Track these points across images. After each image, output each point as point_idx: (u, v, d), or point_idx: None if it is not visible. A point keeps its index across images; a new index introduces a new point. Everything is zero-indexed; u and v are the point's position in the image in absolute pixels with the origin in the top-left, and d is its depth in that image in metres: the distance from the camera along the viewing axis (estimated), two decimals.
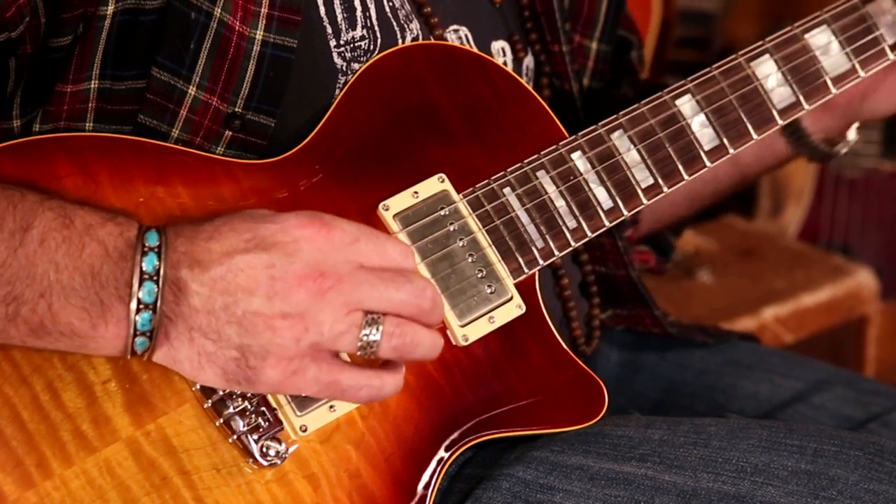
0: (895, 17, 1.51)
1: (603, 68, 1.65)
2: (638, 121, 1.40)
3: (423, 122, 1.34)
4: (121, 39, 1.26)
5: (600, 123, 1.39)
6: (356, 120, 1.32)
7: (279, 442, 1.21)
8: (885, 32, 1.50)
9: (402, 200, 1.31)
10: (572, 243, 1.36)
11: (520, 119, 1.37)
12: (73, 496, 1.16)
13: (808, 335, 2.63)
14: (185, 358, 1.15)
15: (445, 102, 1.35)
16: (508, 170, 1.35)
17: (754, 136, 1.44)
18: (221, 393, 1.20)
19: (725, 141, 1.43)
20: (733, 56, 1.45)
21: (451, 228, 1.31)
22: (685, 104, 1.42)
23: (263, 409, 1.22)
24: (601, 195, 1.38)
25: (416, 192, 1.31)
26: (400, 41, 1.39)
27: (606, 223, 1.38)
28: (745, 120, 1.44)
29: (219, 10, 1.27)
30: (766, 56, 1.46)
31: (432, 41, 1.41)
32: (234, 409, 1.21)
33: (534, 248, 1.34)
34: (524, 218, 1.34)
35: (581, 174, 1.37)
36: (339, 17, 1.36)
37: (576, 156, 1.38)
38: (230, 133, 1.30)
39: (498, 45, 1.50)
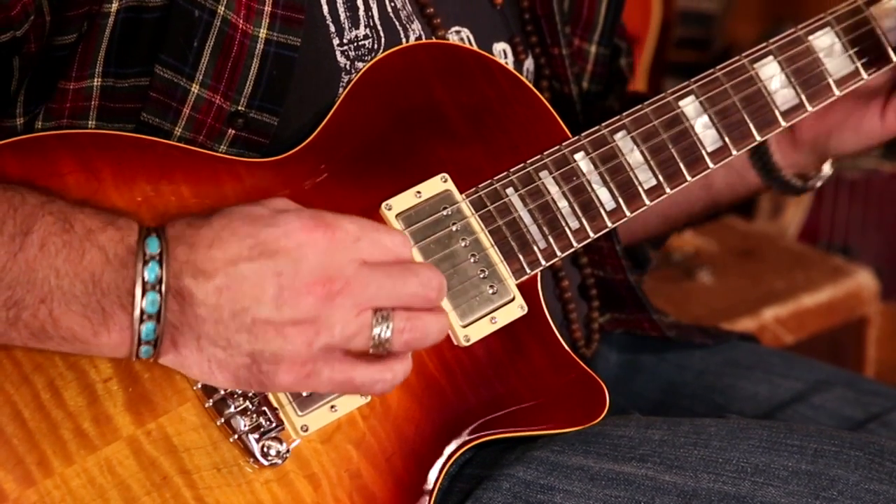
0: None
1: (601, 71, 1.65)
2: (641, 122, 1.40)
3: (426, 121, 1.34)
4: (124, 37, 1.25)
5: (604, 124, 1.39)
6: (359, 119, 1.32)
7: (280, 441, 1.21)
8: (888, 35, 1.50)
9: (404, 200, 1.30)
10: (574, 244, 1.36)
11: (523, 119, 1.37)
12: (74, 495, 1.16)
13: (808, 336, 2.63)
14: (194, 363, 1.15)
15: (449, 102, 1.35)
16: (511, 170, 1.35)
17: (757, 137, 1.44)
18: (223, 392, 1.20)
19: (728, 142, 1.43)
20: (737, 58, 1.45)
21: (454, 228, 1.31)
22: (689, 105, 1.42)
23: (265, 408, 1.21)
24: (604, 196, 1.38)
25: (418, 192, 1.31)
26: (403, 41, 1.39)
27: (609, 224, 1.37)
28: (748, 122, 1.44)
29: (222, 8, 1.26)
30: (770, 58, 1.46)
31: (436, 40, 1.41)
32: (235, 408, 1.20)
33: (536, 249, 1.34)
34: (527, 218, 1.34)
35: (584, 175, 1.37)
36: (342, 15, 1.36)
37: (579, 156, 1.38)
38: (233, 131, 1.29)
39: (499, 47, 1.50)
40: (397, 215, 1.30)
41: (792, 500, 1.26)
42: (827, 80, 1.48)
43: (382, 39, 1.38)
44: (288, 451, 1.22)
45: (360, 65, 1.36)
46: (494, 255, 1.32)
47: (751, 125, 1.44)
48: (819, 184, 1.65)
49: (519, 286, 1.33)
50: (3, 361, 1.16)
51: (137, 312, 1.12)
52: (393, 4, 1.40)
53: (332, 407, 1.23)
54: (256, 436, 1.21)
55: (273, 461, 1.21)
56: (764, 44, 1.46)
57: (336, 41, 1.35)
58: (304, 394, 1.22)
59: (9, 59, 1.25)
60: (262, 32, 1.29)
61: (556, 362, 1.35)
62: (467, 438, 1.30)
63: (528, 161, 1.36)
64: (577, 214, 1.36)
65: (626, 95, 1.67)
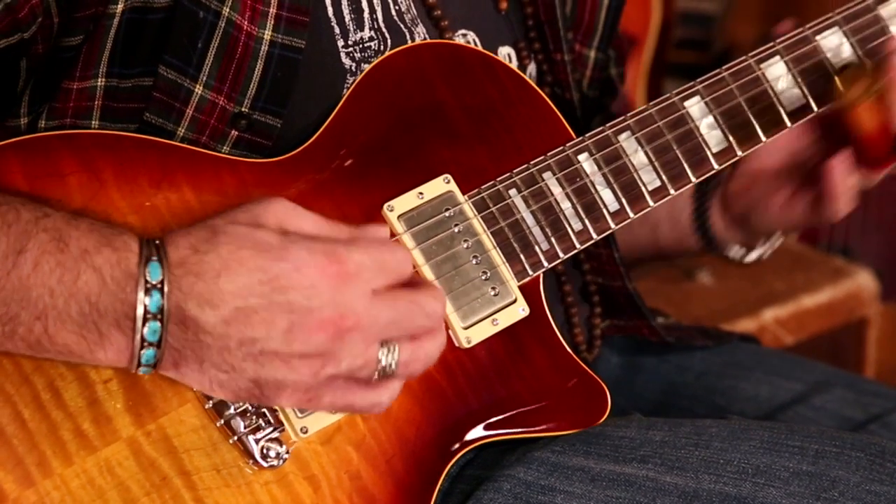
0: None
1: (600, 77, 1.64)
2: (646, 122, 1.39)
3: (430, 121, 1.34)
4: (128, 37, 1.25)
5: (608, 125, 1.39)
6: (362, 119, 1.32)
7: (280, 443, 1.21)
8: None
9: (406, 201, 1.30)
10: (577, 245, 1.36)
11: (527, 120, 1.37)
12: (73, 495, 1.16)
13: (809, 337, 2.63)
14: (195, 381, 1.14)
15: (452, 102, 1.35)
16: (514, 171, 1.35)
17: (763, 138, 1.43)
18: None
19: (734, 143, 1.42)
20: (743, 57, 1.44)
21: (456, 230, 1.31)
22: (694, 106, 1.41)
23: (265, 410, 1.21)
24: (607, 197, 1.37)
25: (421, 193, 1.31)
26: (409, 42, 1.38)
27: (612, 225, 1.37)
28: (754, 123, 1.43)
29: (227, 10, 1.26)
30: (777, 58, 1.45)
31: (440, 40, 1.40)
32: (235, 409, 1.20)
33: (538, 250, 1.34)
34: (529, 220, 1.34)
35: (588, 176, 1.37)
36: (347, 17, 1.35)
37: (583, 157, 1.37)
38: (236, 133, 1.29)
39: (504, 52, 1.50)
40: (399, 216, 1.29)
41: (793, 500, 1.26)
42: (835, 81, 1.47)
43: (388, 41, 1.38)
44: (287, 452, 1.22)
45: (365, 66, 1.35)
46: (497, 256, 1.32)
47: (756, 126, 1.43)
48: (770, 253, 1.64)
49: (521, 288, 1.33)
50: (3, 362, 1.16)
51: (138, 338, 1.11)
52: (397, 7, 1.39)
53: None
54: (256, 437, 1.21)
55: (272, 463, 1.21)
56: (770, 43, 1.45)
57: (341, 42, 1.35)
58: None
59: (16, 60, 1.25)
60: (267, 34, 1.28)
61: (557, 364, 1.34)
62: (468, 440, 1.30)
63: (532, 162, 1.35)
64: (581, 216, 1.36)
65: (608, 112, 1.66)
